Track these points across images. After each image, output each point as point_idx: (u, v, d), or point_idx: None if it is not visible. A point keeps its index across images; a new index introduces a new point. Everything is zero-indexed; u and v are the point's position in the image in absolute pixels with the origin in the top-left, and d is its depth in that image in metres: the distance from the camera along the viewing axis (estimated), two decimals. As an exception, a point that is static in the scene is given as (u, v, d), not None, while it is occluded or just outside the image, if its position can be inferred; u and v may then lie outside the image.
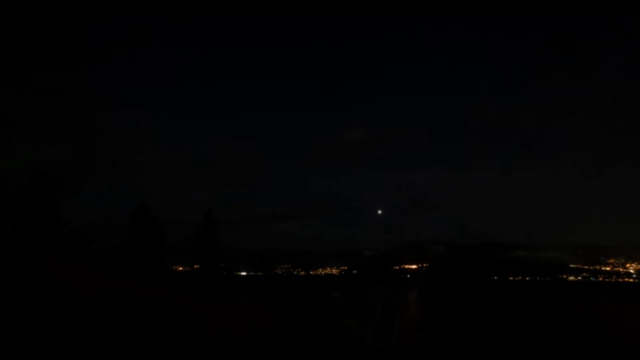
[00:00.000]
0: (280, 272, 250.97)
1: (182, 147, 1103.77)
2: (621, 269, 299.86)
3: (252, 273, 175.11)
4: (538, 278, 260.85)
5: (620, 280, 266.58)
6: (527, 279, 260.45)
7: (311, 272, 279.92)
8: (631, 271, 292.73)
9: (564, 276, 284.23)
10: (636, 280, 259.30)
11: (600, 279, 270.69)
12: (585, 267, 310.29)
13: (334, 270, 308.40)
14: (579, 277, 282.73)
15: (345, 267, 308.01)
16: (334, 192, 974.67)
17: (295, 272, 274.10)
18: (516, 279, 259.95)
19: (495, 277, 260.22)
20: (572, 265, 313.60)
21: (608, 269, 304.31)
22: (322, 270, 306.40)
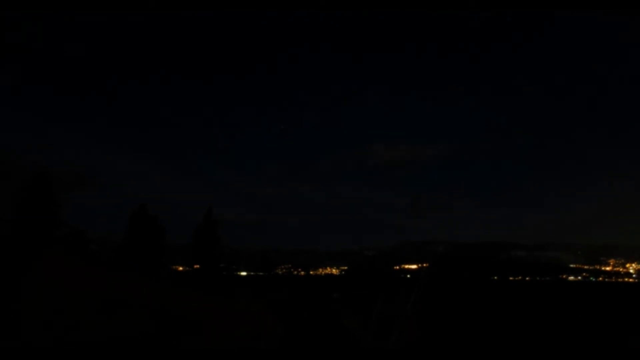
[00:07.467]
0: (280, 272, 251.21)
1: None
2: (621, 269, 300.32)
3: (252, 273, 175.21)
4: (538, 278, 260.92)
5: (620, 280, 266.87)
6: (527, 279, 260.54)
7: (311, 272, 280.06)
8: (631, 271, 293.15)
9: (564, 276, 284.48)
10: (636, 280, 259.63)
11: (600, 279, 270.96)
12: (585, 267, 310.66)
13: (334, 270, 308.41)
14: (579, 277, 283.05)
15: (346, 267, 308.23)
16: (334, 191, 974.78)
17: (295, 272, 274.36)
18: (516, 279, 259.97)
19: (495, 277, 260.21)
20: (572, 265, 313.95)
21: (608, 269, 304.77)
22: (322, 270, 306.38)
